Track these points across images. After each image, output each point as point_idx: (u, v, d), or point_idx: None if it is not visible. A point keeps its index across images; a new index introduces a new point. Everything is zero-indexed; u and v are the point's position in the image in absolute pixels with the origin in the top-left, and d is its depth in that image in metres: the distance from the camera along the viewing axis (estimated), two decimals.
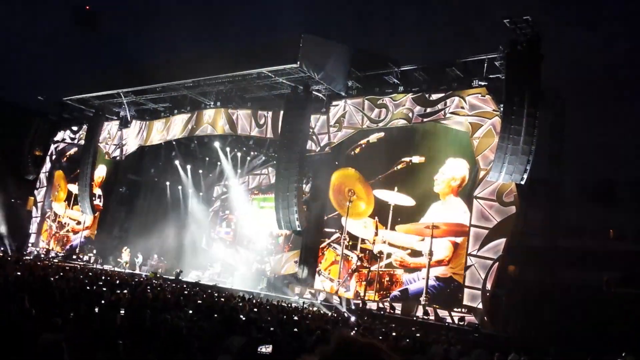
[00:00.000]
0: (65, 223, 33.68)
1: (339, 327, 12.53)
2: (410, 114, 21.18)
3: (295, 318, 12.33)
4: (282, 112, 23.32)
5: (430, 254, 19.53)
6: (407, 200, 21.13)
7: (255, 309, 13.39)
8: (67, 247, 32.44)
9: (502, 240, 18.04)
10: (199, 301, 12.77)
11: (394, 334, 12.29)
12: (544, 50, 17.04)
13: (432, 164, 20.86)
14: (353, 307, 19.65)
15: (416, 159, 21.43)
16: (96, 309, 7.80)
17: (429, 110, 20.77)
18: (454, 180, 20.17)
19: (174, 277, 24.11)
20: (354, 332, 11.86)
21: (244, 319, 9.45)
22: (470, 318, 17.72)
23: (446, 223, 19.76)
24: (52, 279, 12.38)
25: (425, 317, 18.42)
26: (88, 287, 11.54)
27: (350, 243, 22.66)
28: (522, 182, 17.07)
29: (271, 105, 25.75)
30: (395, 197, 21.43)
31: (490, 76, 19.60)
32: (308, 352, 1.27)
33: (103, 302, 9.27)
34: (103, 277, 16.40)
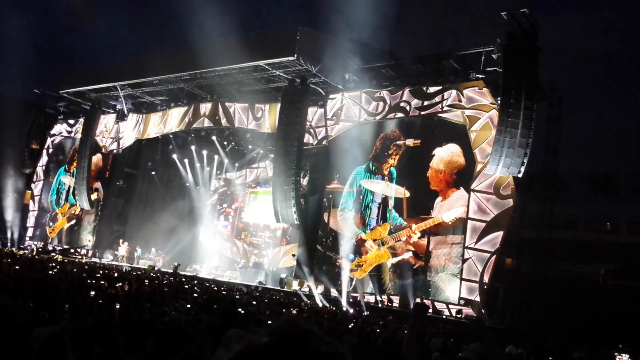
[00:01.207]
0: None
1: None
2: (407, 107, 21.18)
3: (294, 312, 12.37)
4: (279, 105, 23.28)
5: (427, 254, 19.42)
6: (398, 192, 20.97)
7: (254, 302, 13.43)
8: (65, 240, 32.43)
9: (500, 233, 18.09)
10: (196, 295, 12.79)
11: (391, 327, 12.33)
12: (541, 43, 17.07)
13: (428, 148, 20.61)
14: (351, 300, 19.71)
15: (410, 142, 21.21)
16: (94, 303, 7.80)
17: (426, 103, 20.78)
18: (440, 173, 19.97)
19: (171, 271, 24.12)
20: (354, 319, 11.92)
21: (242, 312, 9.47)
22: (467, 311, 17.80)
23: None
24: (50, 272, 12.39)
25: None
26: (88, 281, 11.54)
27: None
28: (520, 175, 17.12)
29: (268, 98, 25.72)
30: (385, 188, 21.30)
31: (488, 69, 19.60)
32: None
33: (101, 295, 9.28)
34: (101, 271, 16.40)
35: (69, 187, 32.58)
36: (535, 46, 16.96)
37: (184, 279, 20.12)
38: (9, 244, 31.20)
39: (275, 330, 1.16)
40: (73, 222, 32.14)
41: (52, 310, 6.99)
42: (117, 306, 7.58)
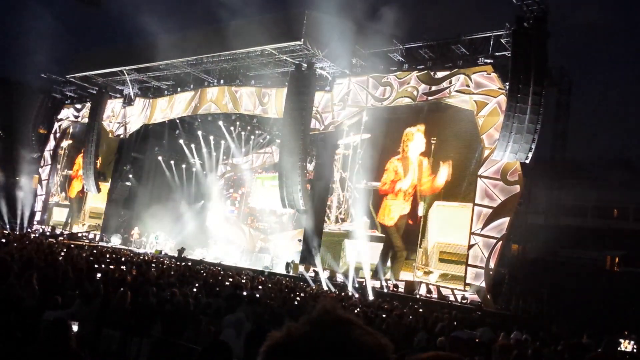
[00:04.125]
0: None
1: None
2: (415, 92, 21.04)
3: (299, 297, 12.42)
4: (285, 90, 23.19)
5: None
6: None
7: (260, 287, 13.51)
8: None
9: (506, 219, 18.03)
10: (202, 280, 12.87)
11: (397, 312, 12.37)
12: (550, 26, 16.88)
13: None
14: (357, 285, 19.77)
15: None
16: (100, 286, 7.87)
17: (434, 88, 20.62)
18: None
19: (177, 255, 24.28)
20: (358, 308, 11.97)
21: (247, 296, 9.52)
22: (473, 296, 17.83)
23: None
24: (58, 257, 12.49)
25: (428, 295, 18.56)
26: (95, 265, 11.63)
27: None
28: (527, 161, 17.03)
29: (275, 83, 25.61)
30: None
31: (496, 54, 19.40)
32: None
33: (109, 279, 9.36)
34: (108, 255, 16.52)
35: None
36: (544, 31, 16.77)
37: (190, 263, 20.25)
38: (17, 228, 31.46)
39: (315, 320, 1.11)
40: None
41: (61, 294, 7.06)
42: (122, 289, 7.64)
